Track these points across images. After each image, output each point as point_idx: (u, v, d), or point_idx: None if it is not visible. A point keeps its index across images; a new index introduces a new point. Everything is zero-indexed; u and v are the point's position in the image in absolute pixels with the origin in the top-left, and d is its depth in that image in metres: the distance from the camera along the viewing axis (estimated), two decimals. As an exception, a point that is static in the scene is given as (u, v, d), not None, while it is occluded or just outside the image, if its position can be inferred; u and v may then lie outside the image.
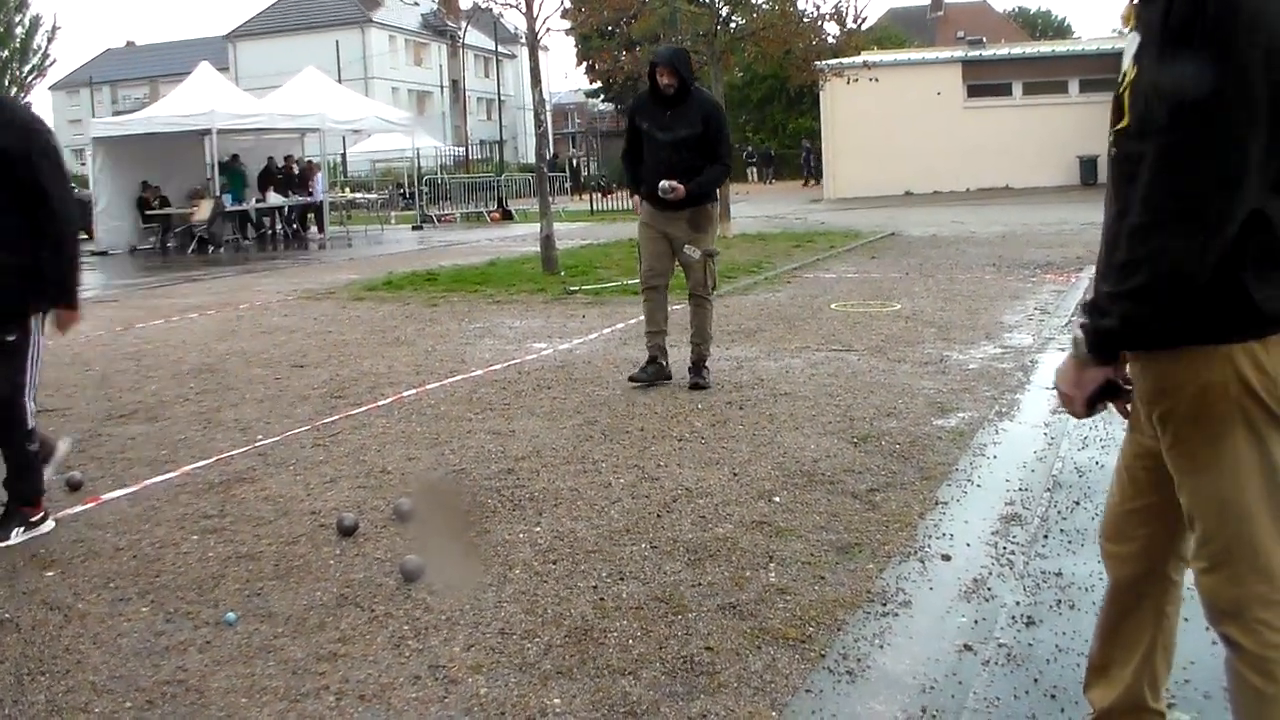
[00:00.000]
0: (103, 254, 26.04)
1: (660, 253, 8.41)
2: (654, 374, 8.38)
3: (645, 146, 8.23)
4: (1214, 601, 2.54)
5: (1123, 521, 2.79)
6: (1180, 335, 2.39)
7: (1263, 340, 2.35)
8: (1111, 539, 2.85)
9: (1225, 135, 2.20)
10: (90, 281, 20.07)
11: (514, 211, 36.27)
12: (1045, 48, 44.89)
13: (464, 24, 67.72)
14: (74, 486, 6.20)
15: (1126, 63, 2.49)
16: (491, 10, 34.57)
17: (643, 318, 8.72)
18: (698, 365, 8.39)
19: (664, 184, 7.90)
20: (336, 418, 7.67)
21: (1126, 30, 2.59)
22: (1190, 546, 2.62)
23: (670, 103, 8.09)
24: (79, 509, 5.83)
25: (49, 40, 54.90)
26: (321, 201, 29.45)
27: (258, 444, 7.05)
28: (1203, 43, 2.21)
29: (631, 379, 8.37)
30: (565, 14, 26.38)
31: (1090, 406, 2.57)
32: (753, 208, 33.68)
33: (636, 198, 8.61)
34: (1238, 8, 2.20)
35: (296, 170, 29.49)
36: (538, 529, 5.21)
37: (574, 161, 58.48)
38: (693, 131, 8.02)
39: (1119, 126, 2.48)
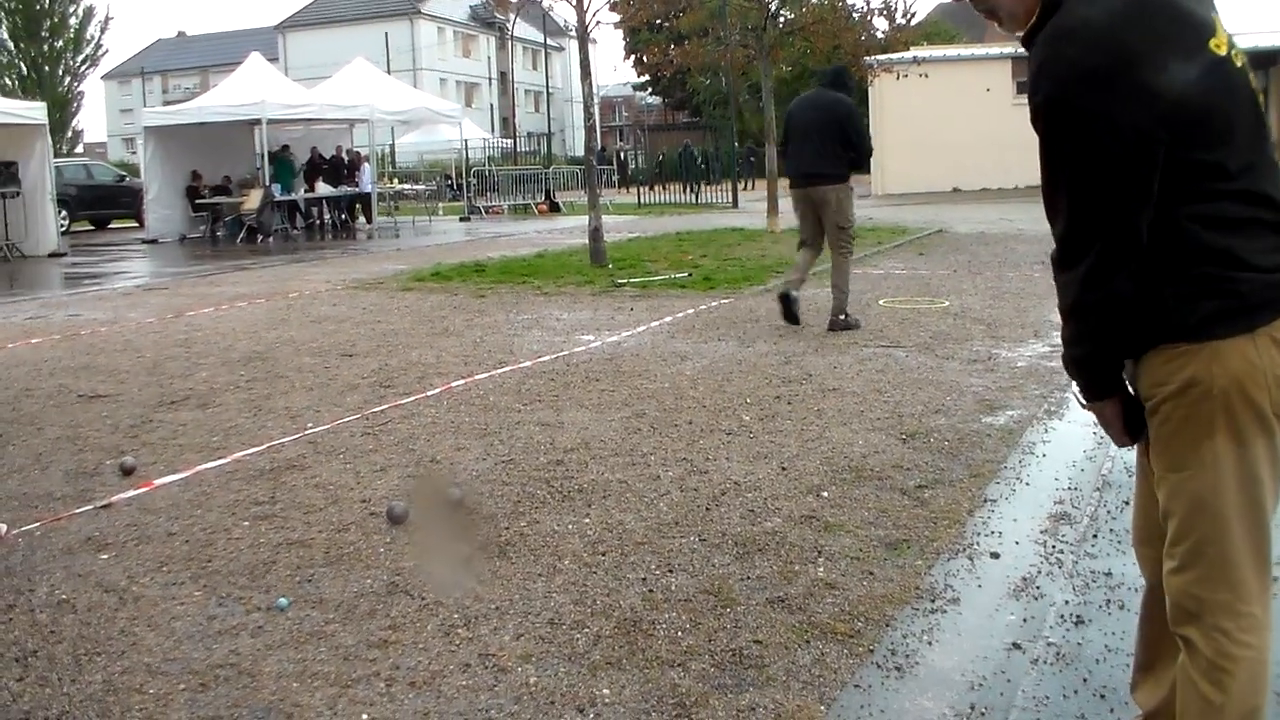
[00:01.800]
0: (153, 242, 26.33)
1: (812, 222, 10.53)
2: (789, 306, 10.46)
3: (790, 139, 10.42)
4: (1178, 601, 2.54)
5: (1148, 522, 2.78)
6: (1157, 335, 2.43)
7: (1252, 334, 2.35)
8: (1140, 540, 2.84)
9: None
10: (140, 269, 20.32)
11: (561, 204, 36.34)
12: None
13: (513, 16, 67.86)
14: (127, 471, 6.28)
15: None
16: (540, 3, 34.66)
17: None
18: (840, 310, 10.39)
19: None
20: (385, 407, 7.72)
21: None
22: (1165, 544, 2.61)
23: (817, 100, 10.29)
24: (132, 494, 5.90)
25: (102, 30, 55.67)
26: (370, 192, 29.58)
27: (308, 432, 7.10)
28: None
29: (785, 312, 10.41)
30: (614, 7, 26.34)
31: (1130, 434, 2.61)
32: (800, 203, 33.55)
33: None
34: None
35: (346, 160, 29.65)
36: (586, 520, 5.22)
37: (621, 155, 58.52)
38: (830, 118, 10.16)
39: None
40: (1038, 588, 4.33)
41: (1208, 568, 2.47)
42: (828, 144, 10.18)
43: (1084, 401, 2.60)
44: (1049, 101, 2.36)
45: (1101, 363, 2.51)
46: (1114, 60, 2.29)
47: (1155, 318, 2.40)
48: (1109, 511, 5.17)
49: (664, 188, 39.46)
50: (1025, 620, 4.04)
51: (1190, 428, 2.43)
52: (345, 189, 28.98)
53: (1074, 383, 2.58)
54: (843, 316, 10.34)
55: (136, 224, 31.53)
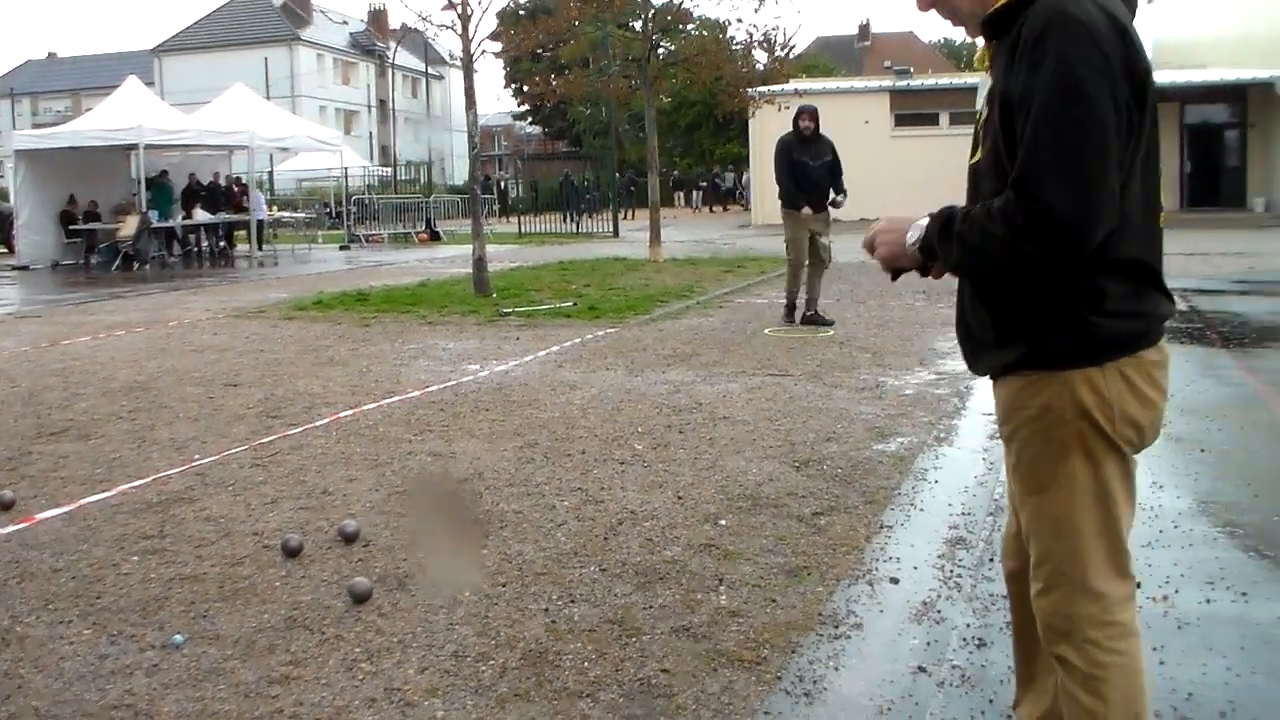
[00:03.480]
0: (24, 268, 25.59)
1: (805, 241, 12.51)
2: (792, 318, 12.83)
3: (799, 170, 12.26)
4: (1048, 621, 2.65)
5: (1013, 542, 2.93)
6: (1022, 361, 2.56)
7: (1100, 366, 2.48)
8: (1006, 555, 3.02)
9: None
10: (11, 296, 19.75)
11: (442, 233, 36.14)
12: (972, 79, 45.50)
13: (393, 45, 67.44)
14: (6, 505, 6.07)
15: (979, 102, 2.66)
16: (421, 31, 34.47)
17: (787, 284, 13.03)
18: (814, 310, 12.69)
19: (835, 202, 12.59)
20: (274, 438, 7.59)
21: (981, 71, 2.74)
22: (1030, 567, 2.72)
23: (809, 140, 12.31)
24: (12, 529, 5.71)
25: (-33, 50, 53.82)
26: (261, 220, 29.09)
27: (195, 463, 6.95)
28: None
29: (800, 320, 12.69)
30: (497, 36, 26.34)
31: (895, 275, 2.71)
32: (681, 232, 33.81)
33: (806, 208, 12.36)
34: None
35: (228, 187, 29.19)
36: (484, 551, 5.18)
37: (502, 184, 58.38)
38: (830, 157, 12.39)
39: (972, 161, 2.66)
40: (939, 611, 4.39)
41: (1071, 585, 2.58)
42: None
43: (914, 242, 2.59)
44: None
45: (955, 266, 2.55)
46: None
47: (1061, 330, 2.49)
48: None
49: (543, 217, 39.41)
50: (929, 644, 4.09)
51: (1048, 450, 2.56)
52: (224, 215, 28.49)
53: (909, 240, 2.59)
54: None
55: (6, 249, 30.66)
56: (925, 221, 2.56)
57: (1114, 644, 2.57)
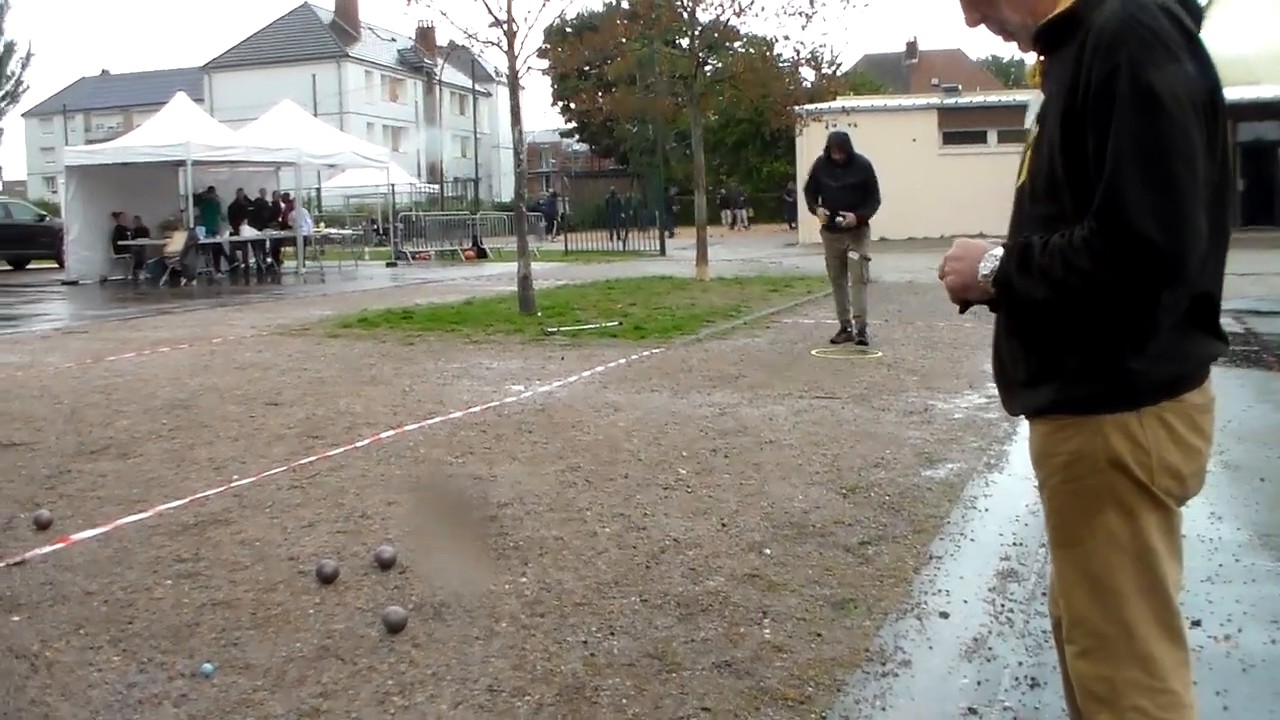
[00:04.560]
0: (73, 283, 25.82)
1: (837, 258, 12.70)
2: (845, 338, 12.67)
3: (821, 190, 12.50)
4: (1087, 686, 2.42)
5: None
6: (1053, 404, 2.37)
7: (1138, 411, 2.29)
8: (1052, 601, 2.72)
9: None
10: (60, 311, 19.89)
11: (488, 250, 36.19)
12: (1020, 96, 45.21)
13: (440, 61, 67.78)
14: (42, 525, 6.03)
15: (1029, 120, 2.47)
16: (469, 49, 34.65)
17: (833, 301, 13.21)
18: (861, 330, 12.62)
19: (841, 218, 12.26)
20: (314, 458, 7.52)
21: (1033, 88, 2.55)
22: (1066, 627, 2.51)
23: (839, 164, 12.52)
24: (48, 549, 5.66)
25: (23, 66, 54.29)
26: (306, 236, 29.23)
27: (233, 484, 6.89)
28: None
29: (832, 341, 12.78)
30: (543, 54, 26.36)
31: (964, 308, 2.53)
32: (728, 251, 33.70)
33: (823, 213, 12.44)
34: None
35: (274, 203, 29.36)
36: (523, 579, 5.07)
37: (557, 201, 58.38)
38: (857, 180, 12.43)
39: (1019, 182, 2.47)
40: (989, 648, 4.24)
41: (1112, 647, 2.36)
42: None
43: (988, 274, 2.38)
44: None
45: (1031, 302, 2.35)
46: None
47: (1096, 373, 2.32)
48: (1056, 569, 5.09)
49: (589, 234, 39.38)
50: (979, 683, 3.94)
51: (1078, 502, 2.37)
52: (270, 232, 28.64)
53: (983, 272, 2.38)
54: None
55: (56, 265, 30.94)
56: (1000, 252, 2.36)
57: (1164, 714, 2.33)
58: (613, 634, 4.41)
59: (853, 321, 12.69)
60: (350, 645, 4.35)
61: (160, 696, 3.94)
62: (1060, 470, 2.39)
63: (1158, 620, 2.35)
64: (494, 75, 76.32)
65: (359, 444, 7.92)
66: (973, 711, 3.72)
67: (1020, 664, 4.09)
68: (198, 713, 3.80)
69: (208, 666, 4.15)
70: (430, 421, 8.69)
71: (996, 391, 2.64)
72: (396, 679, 4.03)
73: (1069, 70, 2.27)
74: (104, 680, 4.09)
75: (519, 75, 17.07)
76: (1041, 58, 2.46)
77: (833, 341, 12.76)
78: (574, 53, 25.32)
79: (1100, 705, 2.39)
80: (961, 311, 2.58)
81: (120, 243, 26.46)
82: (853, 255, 12.56)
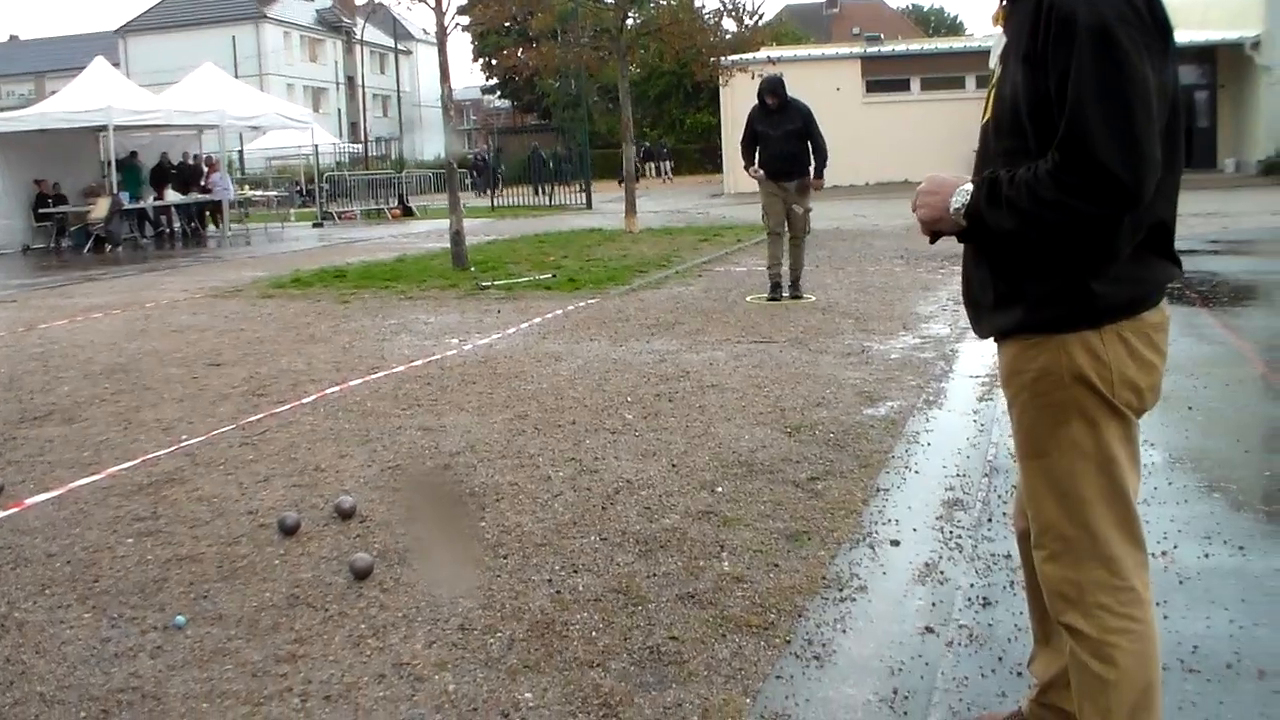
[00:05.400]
0: (-6, 252, 25.37)
1: (779, 209, 12.17)
2: (777, 295, 12.20)
3: (760, 140, 12.13)
4: (1056, 589, 2.61)
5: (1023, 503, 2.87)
6: (1020, 325, 2.53)
7: (1098, 329, 2.46)
8: (1018, 514, 2.93)
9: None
10: (-16, 282, 19.56)
11: (414, 208, 35.98)
12: (943, 44, 45.56)
13: (361, 20, 66.98)
14: (-6, 491, 6.01)
15: (993, 61, 2.65)
16: (387, 7, 34.26)
17: (767, 255, 12.52)
18: (796, 282, 12.37)
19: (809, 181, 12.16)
20: (261, 416, 7.54)
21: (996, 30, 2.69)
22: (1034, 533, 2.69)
23: (774, 111, 12.05)
24: (2, 514, 5.66)
25: (-72, 34, 53.17)
26: (226, 198, 28.88)
27: (183, 444, 6.90)
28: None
29: (769, 299, 12.20)
30: (465, 9, 26.17)
31: (934, 238, 2.67)
32: (654, 203, 33.74)
33: (759, 170, 12.16)
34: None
35: (197, 167, 28.96)
36: (482, 524, 5.16)
37: (488, 157, 57.96)
38: (796, 126, 11.98)
39: (984, 120, 2.63)
40: (941, 572, 4.40)
41: (1078, 550, 2.54)
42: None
43: (959, 207, 2.52)
44: None
45: (1001, 232, 2.48)
46: None
47: (1061, 295, 2.47)
48: (1000, 496, 5.27)
49: (512, 190, 39.16)
50: (934, 605, 4.09)
51: (1046, 414, 2.53)
52: (195, 196, 28.27)
53: (954, 206, 2.52)
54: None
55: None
56: (969, 186, 2.50)
57: (1126, 609, 2.53)
58: (576, 572, 4.52)
59: (784, 275, 12.27)
60: (319, 593, 4.43)
61: (135, 649, 3.99)
62: (1028, 386, 2.56)
63: (1119, 524, 2.54)
64: (414, 34, 75.52)
65: (305, 400, 7.95)
66: (930, 630, 3.88)
67: (972, 585, 4.24)
68: (175, 663, 3.86)
69: (180, 618, 4.21)
70: (374, 376, 8.72)
71: (965, 315, 2.78)
72: (369, 622, 4.11)
73: (1030, 13, 2.41)
74: (77, 637, 4.13)
75: (447, 32, 16.99)
76: (1004, 2, 2.60)
77: (769, 300, 12.26)
78: (500, 8, 25.15)
79: (1068, 604, 2.57)
80: (931, 242, 2.72)
81: (41, 210, 25.98)
82: (795, 208, 12.16)
